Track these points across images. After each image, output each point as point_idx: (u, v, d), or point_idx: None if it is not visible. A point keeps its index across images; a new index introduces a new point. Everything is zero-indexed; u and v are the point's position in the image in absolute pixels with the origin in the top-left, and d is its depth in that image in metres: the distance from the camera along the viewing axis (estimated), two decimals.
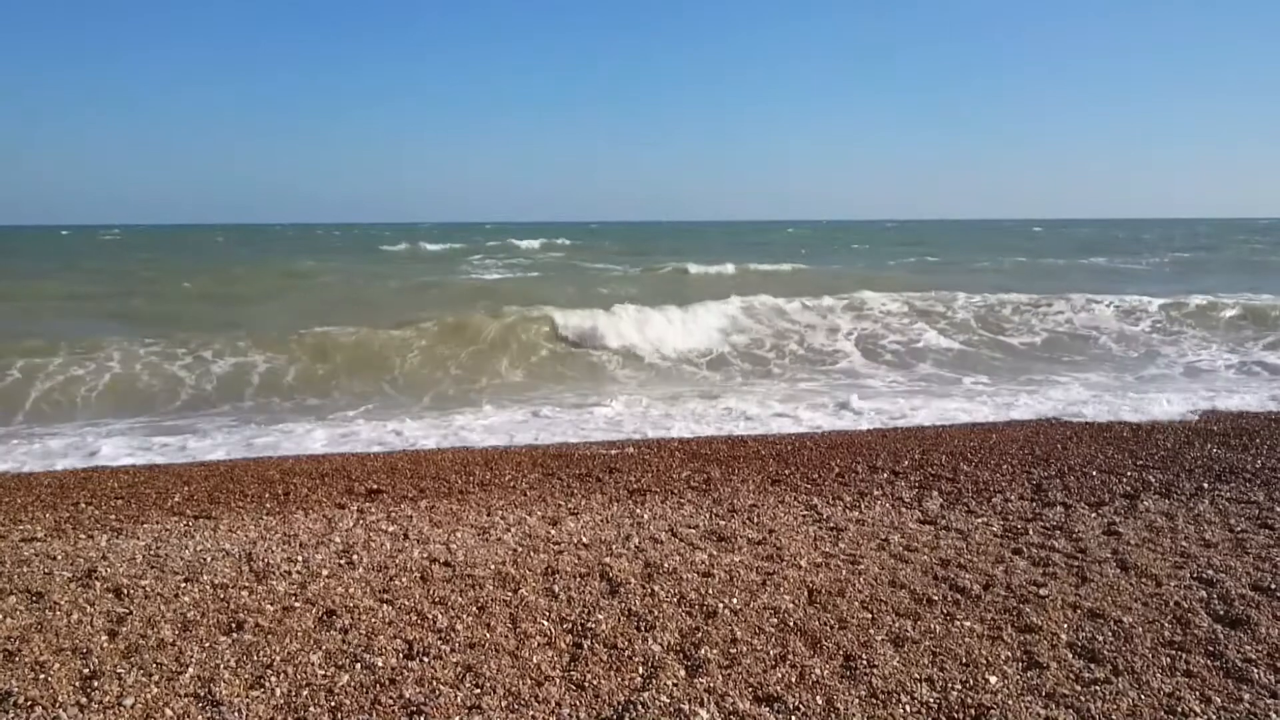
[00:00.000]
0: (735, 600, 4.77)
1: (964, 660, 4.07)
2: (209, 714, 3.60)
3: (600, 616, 4.56)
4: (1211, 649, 4.18)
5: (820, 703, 3.69)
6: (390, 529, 6.12)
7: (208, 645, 4.19)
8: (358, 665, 4.00)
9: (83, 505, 6.88)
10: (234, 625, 4.42)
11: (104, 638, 4.27)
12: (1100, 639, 4.28)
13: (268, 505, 6.88)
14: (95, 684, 3.81)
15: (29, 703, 3.65)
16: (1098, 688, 3.80)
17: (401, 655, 4.11)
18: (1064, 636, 4.32)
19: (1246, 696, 3.75)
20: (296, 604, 4.71)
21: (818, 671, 3.96)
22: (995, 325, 19.16)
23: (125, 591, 4.86)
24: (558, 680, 3.89)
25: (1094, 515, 6.45)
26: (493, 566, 5.31)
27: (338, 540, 5.84)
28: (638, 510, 6.65)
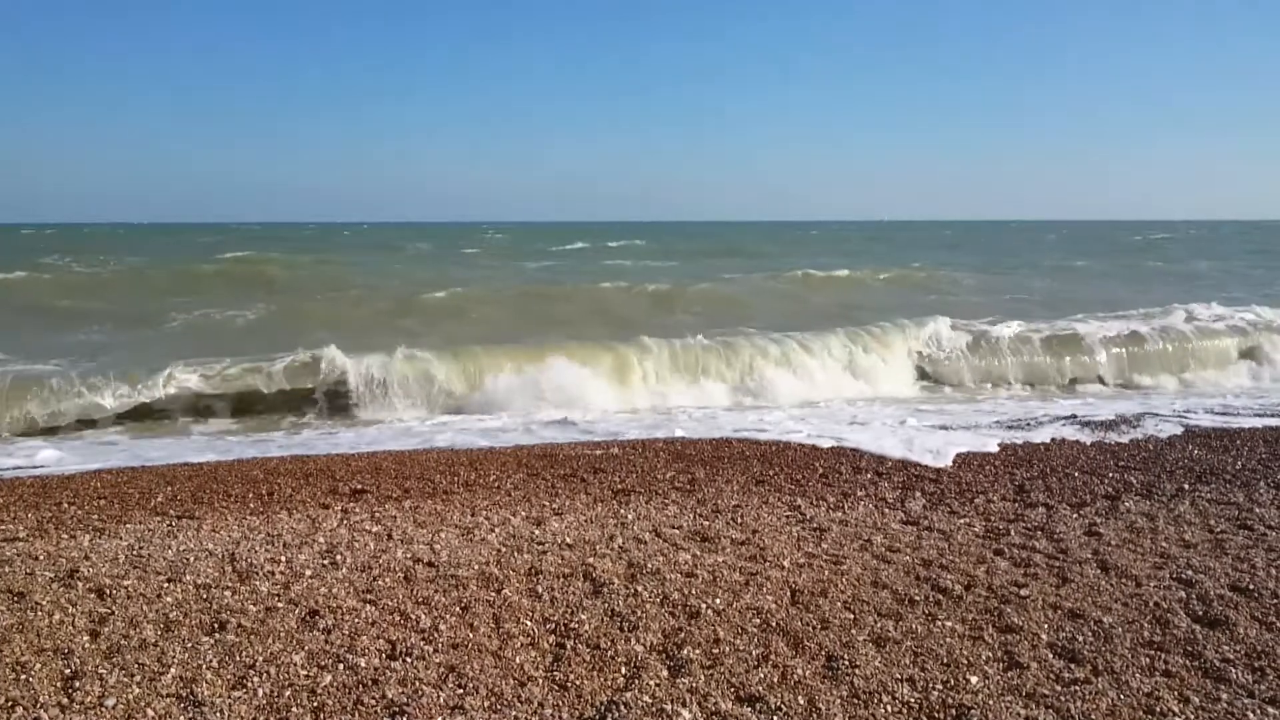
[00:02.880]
0: (718, 600, 4.78)
1: (945, 660, 4.09)
2: (191, 714, 3.59)
3: (583, 617, 4.57)
4: (1190, 649, 4.22)
5: (802, 703, 3.71)
6: (374, 529, 6.12)
7: (190, 645, 4.18)
8: (340, 665, 3.99)
9: (65, 505, 6.84)
10: (217, 625, 4.41)
11: (86, 638, 4.25)
12: (1080, 639, 4.32)
13: (251, 505, 6.86)
14: (77, 684, 3.79)
15: (10, 703, 3.63)
16: (1078, 687, 3.83)
17: (384, 656, 4.11)
18: (1044, 637, 4.35)
19: (1224, 696, 3.79)
20: (279, 604, 4.70)
21: (800, 672, 3.97)
22: None
23: (108, 591, 4.84)
24: (541, 680, 3.90)
25: (1075, 516, 6.50)
26: (476, 567, 5.31)
27: (321, 540, 5.82)
28: (622, 511, 6.65)
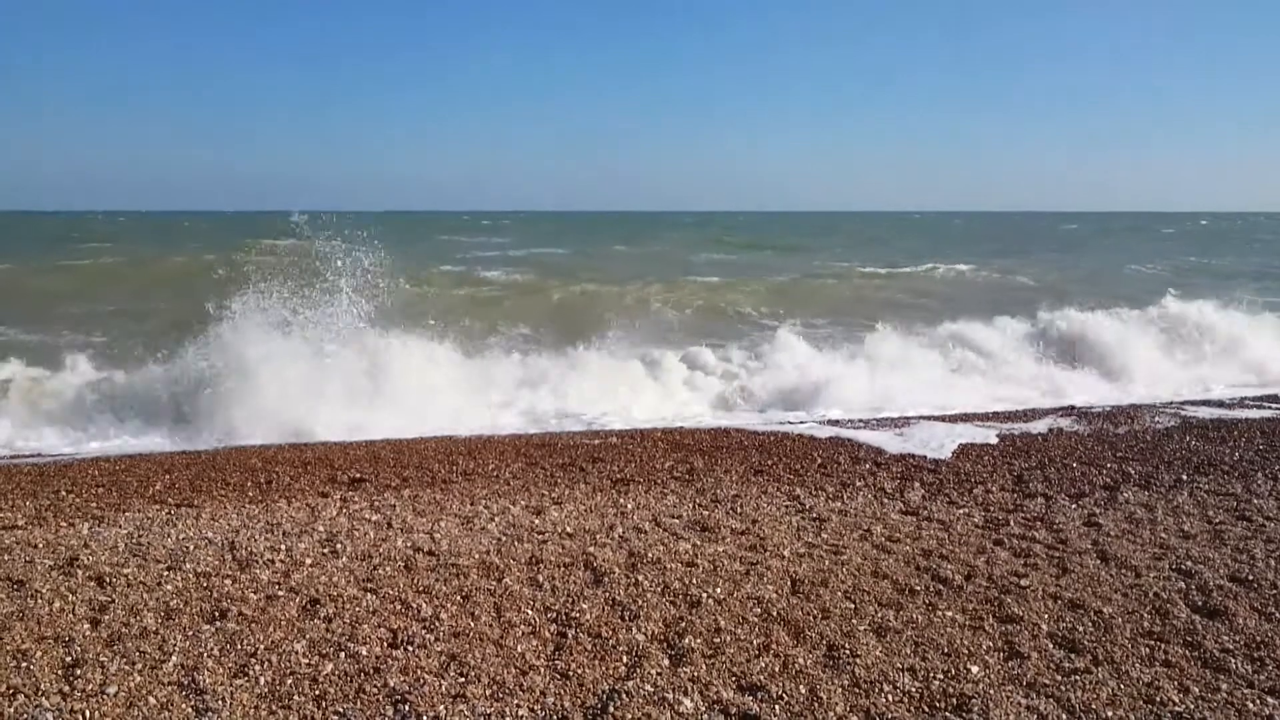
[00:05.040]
0: (719, 590, 4.78)
1: (946, 650, 4.10)
2: (192, 702, 3.59)
3: (584, 606, 4.57)
4: (1190, 639, 4.23)
5: (803, 692, 3.72)
6: (374, 518, 6.11)
7: (191, 634, 4.18)
8: (342, 654, 3.99)
9: (64, 493, 6.83)
10: (217, 614, 4.41)
11: (86, 626, 4.25)
12: (1080, 629, 4.33)
13: (250, 494, 6.85)
14: (78, 672, 3.79)
15: (11, 691, 3.63)
16: (1078, 677, 3.84)
17: (386, 644, 4.11)
18: (1045, 626, 4.36)
19: (1224, 686, 3.80)
20: (280, 593, 4.69)
21: (801, 661, 3.98)
22: None
23: (107, 580, 4.83)
24: (542, 669, 3.90)
25: (1074, 506, 6.51)
26: (477, 556, 5.31)
27: (321, 529, 5.82)
28: (621, 500, 6.66)
